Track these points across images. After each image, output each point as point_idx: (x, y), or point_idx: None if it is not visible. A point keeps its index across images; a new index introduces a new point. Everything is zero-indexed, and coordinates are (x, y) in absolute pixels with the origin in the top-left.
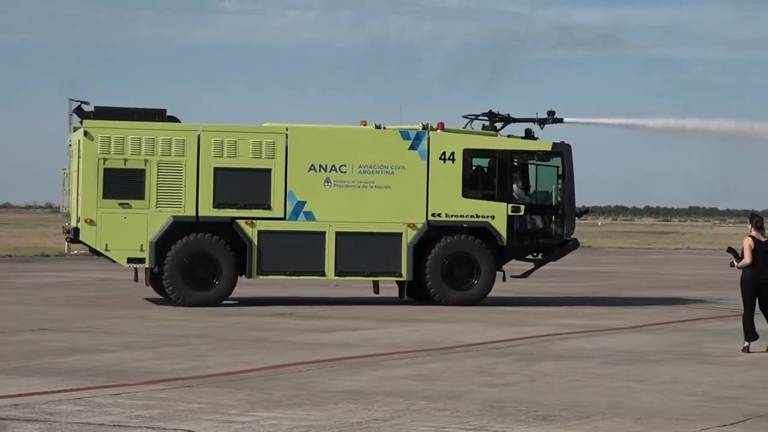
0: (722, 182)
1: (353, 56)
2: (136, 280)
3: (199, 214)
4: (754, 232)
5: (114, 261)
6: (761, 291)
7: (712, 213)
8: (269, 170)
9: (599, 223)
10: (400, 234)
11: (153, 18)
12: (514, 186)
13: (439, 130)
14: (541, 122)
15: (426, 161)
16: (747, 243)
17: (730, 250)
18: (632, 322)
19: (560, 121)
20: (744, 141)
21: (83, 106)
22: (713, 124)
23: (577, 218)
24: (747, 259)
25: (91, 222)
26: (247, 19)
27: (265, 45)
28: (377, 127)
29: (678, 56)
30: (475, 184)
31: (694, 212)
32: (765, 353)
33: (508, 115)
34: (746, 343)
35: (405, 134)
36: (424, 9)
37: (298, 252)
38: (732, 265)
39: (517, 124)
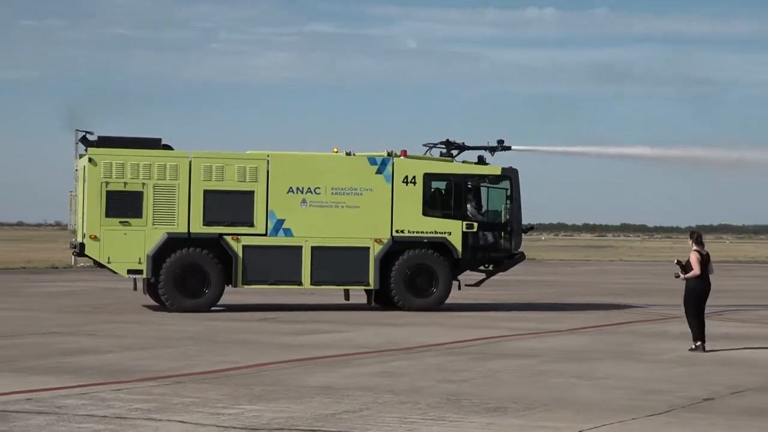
0: (652, 201)
1: (327, 91)
2: (135, 289)
3: (191, 230)
4: (696, 247)
5: (115, 272)
6: (701, 299)
7: (642, 229)
8: (252, 192)
9: (543, 238)
10: (368, 248)
11: (148, 58)
12: (468, 206)
13: (402, 157)
14: (492, 150)
15: (391, 184)
16: (695, 257)
17: (679, 262)
18: (572, 325)
19: (508, 148)
20: (676, 165)
21: (88, 135)
22: (638, 150)
23: (523, 234)
24: (697, 270)
25: (95, 238)
26: (232, 59)
27: (248, 82)
28: (348, 154)
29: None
30: (434, 204)
31: (626, 228)
32: (687, 353)
33: (463, 143)
34: (698, 343)
35: (372, 160)
36: (386, 51)
37: (278, 264)
38: (677, 276)
39: (471, 151)
